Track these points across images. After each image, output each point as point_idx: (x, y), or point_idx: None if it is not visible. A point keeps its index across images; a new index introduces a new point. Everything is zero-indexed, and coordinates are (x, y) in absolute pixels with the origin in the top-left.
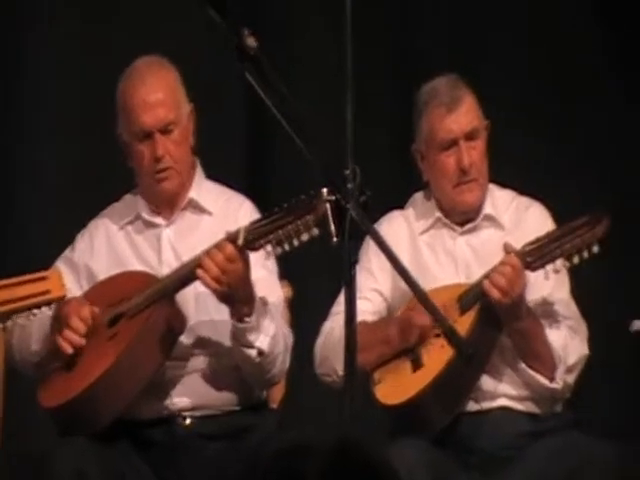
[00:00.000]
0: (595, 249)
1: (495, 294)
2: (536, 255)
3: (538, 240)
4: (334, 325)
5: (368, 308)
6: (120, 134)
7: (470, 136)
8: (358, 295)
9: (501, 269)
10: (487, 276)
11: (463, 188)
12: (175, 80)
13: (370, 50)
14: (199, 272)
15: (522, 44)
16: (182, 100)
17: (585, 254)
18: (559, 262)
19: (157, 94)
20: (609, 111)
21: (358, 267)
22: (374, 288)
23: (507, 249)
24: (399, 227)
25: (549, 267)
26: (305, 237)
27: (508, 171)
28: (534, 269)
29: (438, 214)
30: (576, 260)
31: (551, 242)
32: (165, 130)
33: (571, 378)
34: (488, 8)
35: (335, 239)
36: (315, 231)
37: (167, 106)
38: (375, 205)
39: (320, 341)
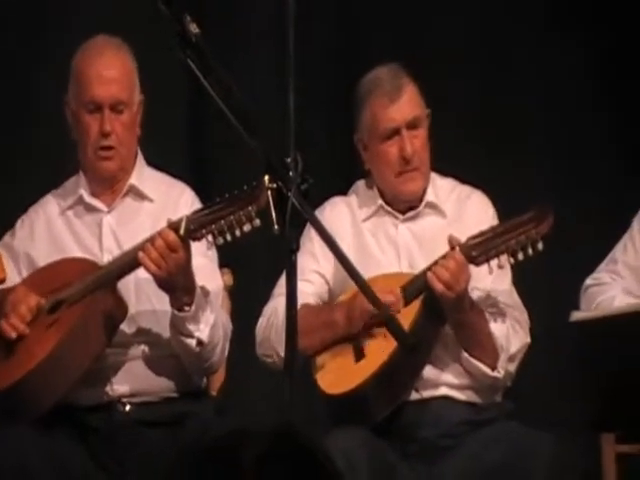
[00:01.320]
0: (539, 246)
1: (439, 287)
2: (481, 250)
3: (483, 234)
4: (277, 305)
5: (309, 290)
6: (68, 102)
7: (412, 125)
8: (300, 277)
9: (445, 263)
10: (431, 268)
11: (406, 177)
12: (132, 64)
13: (313, 39)
14: (140, 255)
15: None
16: (135, 86)
17: (529, 251)
18: (503, 258)
19: (113, 71)
20: (555, 106)
21: (301, 250)
22: (316, 270)
23: (451, 242)
24: (341, 213)
25: (493, 262)
26: (247, 227)
27: (448, 162)
28: (478, 264)
29: (380, 202)
30: (520, 257)
31: (496, 237)
32: (115, 108)
33: (513, 367)
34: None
35: (276, 227)
36: (257, 222)
37: (121, 85)
38: (316, 193)
39: (262, 322)
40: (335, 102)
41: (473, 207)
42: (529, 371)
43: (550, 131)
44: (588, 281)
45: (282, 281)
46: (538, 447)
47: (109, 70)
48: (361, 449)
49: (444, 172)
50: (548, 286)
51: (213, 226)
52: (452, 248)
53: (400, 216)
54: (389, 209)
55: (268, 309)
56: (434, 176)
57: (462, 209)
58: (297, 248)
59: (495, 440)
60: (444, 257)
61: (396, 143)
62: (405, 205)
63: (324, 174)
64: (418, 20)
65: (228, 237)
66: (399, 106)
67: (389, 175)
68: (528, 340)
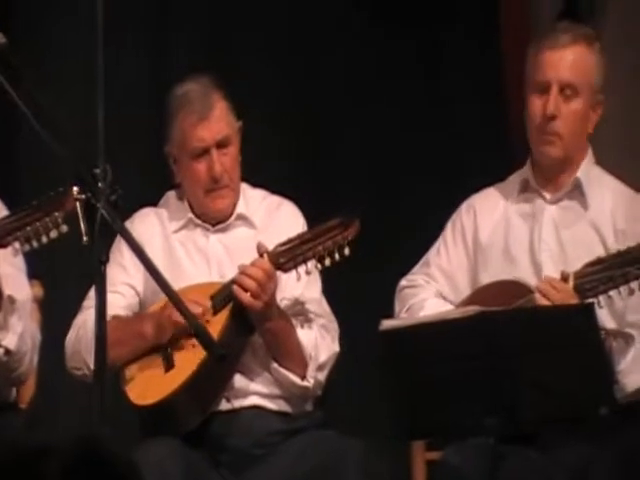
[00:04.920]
0: (346, 251)
1: (245, 298)
2: (288, 256)
3: (290, 241)
4: (86, 318)
5: (120, 302)
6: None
7: (222, 144)
8: (110, 289)
9: (252, 272)
10: (236, 279)
11: (214, 195)
12: None
13: (125, 49)
14: None
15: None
16: None
17: (336, 256)
18: (310, 263)
19: None
20: (365, 116)
21: (111, 261)
22: (126, 282)
23: (259, 250)
24: (152, 224)
25: (301, 268)
26: (54, 234)
27: (258, 172)
28: (286, 270)
29: (190, 215)
30: (327, 262)
31: (303, 244)
32: None
33: (322, 375)
34: (243, 7)
35: (85, 238)
36: (64, 228)
37: None
38: (127, 204)
39: (71, 334)
40: (149, 113)
41: (283, 217)
42: (339, 379)
43: (361, 142)
44: (403, 282)
45: (92, 293)
46: (348, 455)
47: None
48: (173, 459)
49: (254, 183)
50: (358, 295)
51: (19, 233)
52: (261, 255)
53: (211, 228)
54: (199, 222)
55: (77, 322)
56: (245, 187)
57: (272, 219)
58: (106, 259)
59: (306, 449)
60: (251, 265)
61: (205, 161)
62: (215, 219)
63: (139, 185)
64: (227, 28)
65: (35, 244)
66: (209, 125)
67: (198, 191)
68: (337, 349)
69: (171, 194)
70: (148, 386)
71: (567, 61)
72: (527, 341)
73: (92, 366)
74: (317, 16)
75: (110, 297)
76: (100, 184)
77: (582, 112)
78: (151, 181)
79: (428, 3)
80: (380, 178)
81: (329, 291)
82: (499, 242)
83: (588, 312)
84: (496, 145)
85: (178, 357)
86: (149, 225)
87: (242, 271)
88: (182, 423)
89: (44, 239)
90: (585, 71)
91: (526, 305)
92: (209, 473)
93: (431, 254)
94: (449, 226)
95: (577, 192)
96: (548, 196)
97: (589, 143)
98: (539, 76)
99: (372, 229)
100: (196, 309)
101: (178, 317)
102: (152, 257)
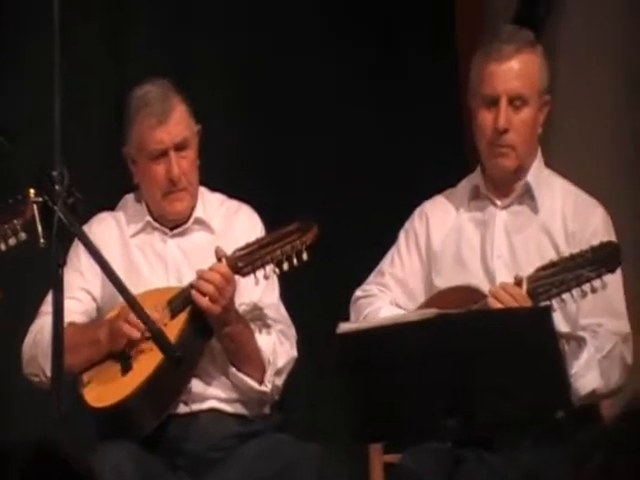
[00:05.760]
0: (304, 256)
1: (203, 302)
2: (246, 261)
3: (249, 246)
4: (43, 324)
5: (77, 308)
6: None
7: (180, 147)
8: (67, 295)
9: (210, 276)
10: (195, 283)
11: (172, 197)
12: None
13: (83, 50)
14: None
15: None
16: None
17: (294, 261)
18: (269, 268)
19: None
20: (321, 122)
21: (68, 267)
22: (83, 288)
23: (218, 254)
24: (109, 229)
25: (259, 273)
26: (12, 241)
27: (216, 176)
28: (244, 274)
29: (148, 218)
30: (286, 267)
31: (262, 248)
32: None
33: (280, 380)
34: (203, 10)
35: (43, 241)
36: (22, 235)
37: None
38: (86, 206)
39: (28, 340)
40: (110, 115)
41: (241, 222)
42: (297, 384)
43: (318, 148)
44: (357, 293)
45: (49, 298)
46: (305, 459)
47: None
48: (129, 463)
49: (212, 187)
50: (316, 299)
51: None
52: (219, 260)
53: (168, 232)
54: (157, 225)
55: (34, 327)
56: (203, 191)
57: (230, 224)
58: (64, 263)
59: (263, 453)
60: (210, 269)
61: (163, 164)
62: (173, 222)
63: (97, 188)
64: (186, 31)
65: None
66: (167, 128)
67: (156, 194)
68: (295, 354)
69: (129, 197)
70: (105, 389)
71: (514, 72)
72: (484, 344)
73: (49, 372)
74: (276, 19)
75: (67, 303)
76: (57, 187)
77: (532, 119)
78: (109, 184)
79: (386, 9)
80: (337, 184)
81: (287, 296)
82: (452, 249)
83: (545, 315)
84: (451, 151)
85: (136, 361)
86: (107, 229)
87: (200, 275)
88: (139, 426)
89: (2, 246)
90: (532, 79)
91: (482, 308)
92: (166, 476)
93: (385, 263)
94: (402, 234)
95: (527, 196)
96: (498, 202)
97: (539, 145)
98: (487, 89)
99: (330, 234)
100: (154, 313)
101: (134, 321)
102: (110, 261)
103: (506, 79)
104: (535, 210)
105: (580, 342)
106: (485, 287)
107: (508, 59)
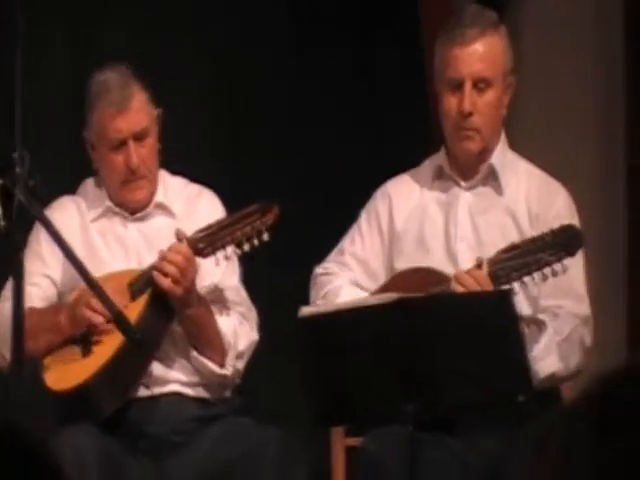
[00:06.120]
0: (265, 237)
1: (165, 283)
2: (207, 242)
3: (209, 227)
4: (2, 310)
5: (38, 294)
6: None
7: (139, 136)
8: (28, 280)
9: (171, 257)
10: (156, 264)
11: (132, 186)
12: None
13: (50, 35)
14: None
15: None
16: None
17: (255, 242)
18: (230, 249)
19: None
20: (283, 107)
21: (28, 252)
22: (44, 273)
23: (178, 236)
24: (70, 213)
25: (220, 254)
26: None
27: (178, 160)
28: (205, 255)
29: (108, 203)
30: (246, 247)
31: (222, 229)
32: None
33: (241, 364)
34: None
35: (2, 223)
36: None
37: None
38: (46, 190)
39: None
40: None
41: (203, 205)
42: (259, 367)
43: (278, 130)
44: (317, 270)
45: (9, 284)
46: (266, 442)
47: None
48: (90, 445)
49: (174, 171)
50: (277, 281)
51: None
52: (179, 241)
53: (129, 216)
54: (117, 210)
55: None
56: (164, 174)
57: (192, 208)
58: (24, 246)
59: (224, 436)
60: (171, 250)
61: (123, 153)
62: (133, 209)
63: (59, 172)
64: (150, 18)
65: None
66: (126, 117)
67: (115, 182)
68: (256, 337)
69: (89, 181)
70: (66, 372)
71: (478, 55)
72: (445, 327)
73: (8, 357)
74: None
75: (27, 290)
76: (17, 169)
77: (496, 101)
78: (71, 168)
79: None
80: (300, 165)
81: (248, 279)
82: (414, 229)
83: (506, 298)
84: (417, 133)
85: (97, 344)
86: (67, 214)
87: (162, 256)
88: (99, 409)
89: None
90: (496, 61)
91: (443, 292)
92: (127, 459)
93: (346, 242)
94: (364, 214)
95: (491, 178)
96: (463, 183)
97: (503, 128)
98: (451, 73)
99: (291, 217)
100: (114, 296)
101: (94, 304)
102: (71, 245)
103: (470, 62)
104: (499, 192)
105: (540, 325)
106: (448, 269)
107: (472, 42)
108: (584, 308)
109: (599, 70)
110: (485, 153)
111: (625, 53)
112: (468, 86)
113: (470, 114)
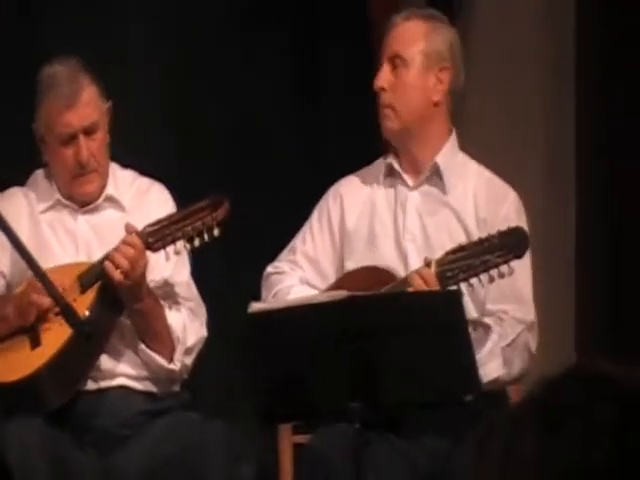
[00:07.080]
0: (216, 232)
1: (116, 275)
2: (157, 236)
3: (160, 221)
4: None
5: None
6: None
7: (89, 131)
8: None
9: (122, 249)
10: (108, 256)
11: (82, 180)
12: None
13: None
14: None
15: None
16: None
17: (206, 237)
18: (180, 244)
19: None
20: (241, 104)
21: None
22: None
23: (128, 229)
24: (19, 204)
25: (170, 248)
26: None
27: (130, 153)
28: (155, 250)
29: (58, 195)
30: (197, 242)
31: (173, 224)
32: None
33: (189, 359)
34: None
35: None
36: None
37: None
38: None
39: None
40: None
41: (153, 199)
42: (207, 362)
43: (233, 123)
44: (269, 269)
45: None
46: (213, 437)
47: None
48: (36, 439)
49: (124, 164)
50: (227, 277)
51: None
52: (129, 235)
53: (79, 209)
54: (67, 202)
55: None
56: (115, 167)
57: (142, 201)
58: None
59: (171, 430)
60: (121, 244)
61: (72, 147)
62: (83, 202)
63: (7, 163)
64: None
65: None
66: (76, 112)
67: (65, 176)
68: (205, 333)
69: (39, 173)
70: (12, 364)
71: (396, 35)
72: (394, 326)
73: None
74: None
75: None
76: None
77: (414, 81)
78: (20, 159)
79: None
80: (253, 161)
81: (198, 274)
82: (364, 228)
83: (454, 299)
84: (364, 126)
85: (45, 336)
86: (16, 205)
87: (115, 248)
88: (46, 402)
89: None
90: (412, 40)
91: (392, 291)
92: (73, 453)
93: (297, 241)
94: (316, 212)
95: (436, 177)
96: (410, 181)
97: (452, 127)
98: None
99: (243, 212)
100: (62, 288)
101: (40, 297)
102: (19, 236)
103: (390, 42)
104: (444, 192)
105: (486, 329)
106: (398, 268)
107: (395, 26)
108: (529, 313)
109: (548, 72)
110: (428, 149)
111: (576, 53)
112: (385, 62)
113: (382, 89)
